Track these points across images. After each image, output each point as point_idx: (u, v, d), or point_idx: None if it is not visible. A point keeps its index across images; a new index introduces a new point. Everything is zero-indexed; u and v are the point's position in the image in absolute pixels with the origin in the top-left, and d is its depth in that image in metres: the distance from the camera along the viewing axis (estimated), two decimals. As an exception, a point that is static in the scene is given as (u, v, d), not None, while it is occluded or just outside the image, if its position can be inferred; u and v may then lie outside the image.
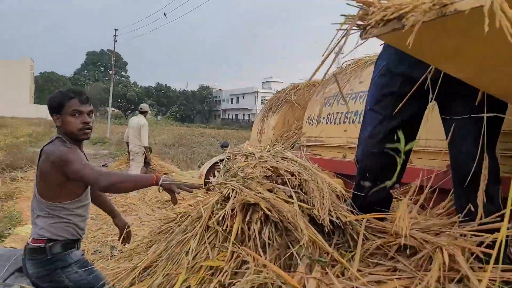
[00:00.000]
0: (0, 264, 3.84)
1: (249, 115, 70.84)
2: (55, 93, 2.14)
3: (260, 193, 1.41)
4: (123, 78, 79.51)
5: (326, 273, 1.15)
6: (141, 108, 8.72)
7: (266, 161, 1.76)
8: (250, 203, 1.41)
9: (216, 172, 3.81)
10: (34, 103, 53.93)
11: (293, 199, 1.44)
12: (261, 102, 69.70)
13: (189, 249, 1.35)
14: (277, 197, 1.44)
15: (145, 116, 8.46)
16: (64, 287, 1.99)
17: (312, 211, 1.40)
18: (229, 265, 1.23)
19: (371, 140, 1.67)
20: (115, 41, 32.23)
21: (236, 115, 75.83)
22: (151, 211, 7.00)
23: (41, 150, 2.08)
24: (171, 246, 1.49)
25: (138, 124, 8.20)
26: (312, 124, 2.67)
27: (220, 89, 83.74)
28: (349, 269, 1.18)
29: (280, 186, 1.56)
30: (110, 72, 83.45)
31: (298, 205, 1.38)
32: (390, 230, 1.35)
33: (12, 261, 3.95)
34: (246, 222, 1.39)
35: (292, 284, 0.96)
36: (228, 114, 78.68)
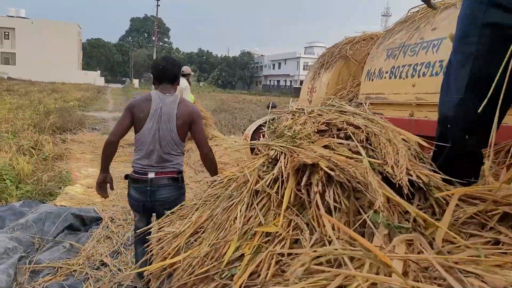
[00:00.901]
0: (50, 222, 3.95)
1: (290, 81, 69.69)
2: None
3: (315, 151, 1.19)
4: (166, 45, 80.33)
5: (411, 244, 0.93)
6: (183, 71, 8.61)
7: (320, 115, 1.52)
8: (306, 164, 1.19)
9: (262, 135, 3.64)
10: (82, 69, 55.80)
11: (359, 155, 1.20)
12: (304, 68, 68.13)
13: (236, 215, 1.17)
14: (338, 154, 1.21)
15: (187, 80, 8.34)
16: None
17: (385, 169, 1.14)
18: (288, 232, 1.04)
19: (459, 85, 1.36)
20: (158, 5, 32.16)
21: (278, 81, 74.85)
22: (194, 174, 7.01)
23: (176, 101, 2.62)
24: (217, 214, 1.32)
25: (180, 87, 8.10)
26: (372, 80, 2.38)
27: (262, 55, 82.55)
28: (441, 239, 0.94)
29: (341, 141, 1.32)
30: (153, 38, 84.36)
31: (368, 161, 1.13)
32: (491, 195, 1.07)
33: (62, 218, 4.05)
34: (302, 185, 1.18)
35: (383, 261, 0.76)
36: (270, 80, 77.80)
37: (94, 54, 65.59)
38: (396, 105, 2.15)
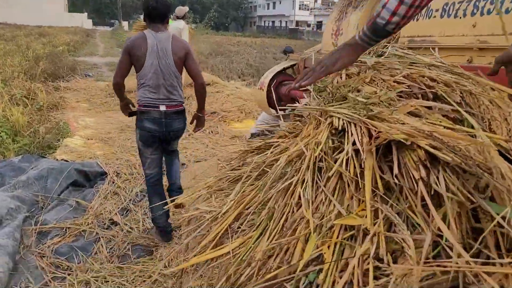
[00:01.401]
0: (53, 178, 3.73)
1: (286, 22, 67.22)
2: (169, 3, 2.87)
3: (403, 123, 0.91)
4: (155, -17, 76.06)
5: None
6: (178, 14, 8.01)
7: (396, 68, 1.22)
8: (393, 140, 0.89)
9: (279, 83, 3.31)
10: (69, 12, 53.22)
11: (460, 124, 0.93)
12: (300, 8, 65.48)
13: (298, 199, 0.92)
14: (433, 123, 0.93)
15: (185, 21, 7.81)
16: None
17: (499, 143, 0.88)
18: (379, 226, 0.80)
19: None
20: None
21: (273, 22, 72.21)
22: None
23: (169, 38, 2.81)
24: (270, 196, 1.04)
25: (177, 28, 7.59)
26: (416, 20, 2.05)
27: (255, -6, 78.89)
28: None
29: (433, 104, 1.03)
30: (141, -24, 79.96)
31: (487, 136, 0.87)
32: None
33: (65, 174, 3.82)
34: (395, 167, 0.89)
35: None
36: (264, 21, 75.06)
37: (79, -5, 62.22)
38: (450, 50, 1.85)
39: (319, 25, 63.23)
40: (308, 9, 65.86)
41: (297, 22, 64.88)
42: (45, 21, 41.77)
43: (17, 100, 6.34)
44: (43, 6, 45.99)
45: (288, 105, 1.39)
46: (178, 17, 7.83)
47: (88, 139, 5.29)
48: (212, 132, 6.15)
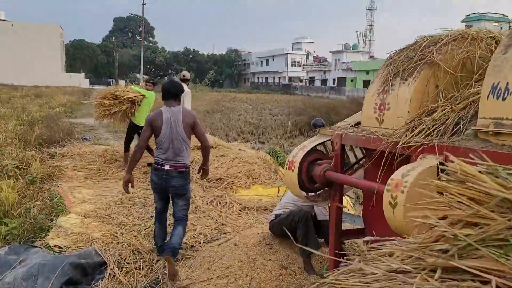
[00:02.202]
0: (44, 277, 3.16)
1: (279, 77, 68.94)
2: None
3: None
4: (150, 44, 78.87)
5: None
6: (183, 76, 7.88)
7: None
8: None
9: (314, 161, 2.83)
10: (66, 72, 54.23)
11: None
12: (292, 64, 67.49)
13: None
14: None
15: (187, 85, 7.63)
16: (187, 191, 3.64)
17: None
18: None
19: None
20: (143, 4, 31.07)
21: (266, 78, 74.08)
22: (202, 191, 6.26)
23: (180, 110, 3.58)
24: None
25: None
26: (504, 98, 1.69)
27: (249, 52, 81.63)
28: None
29: None
30: (138, 38, 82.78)
31: None
32: None
33: (58, 272, 3.26)
34: None
35: None
36: (258, 78, 77.00)
37: (77, 56, 63.89)
38: None
39: (312, 80, 64.90)
40: (300, 65, 67.84)
41: (290, 78, 66.57)
42: (42, 81, 42.31)
43: (8, 171, 5.86)
44: (40, 67, 46.88)
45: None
46: (183, 80, 7.68)
47: (85, 217, 4.76)
48: (220, 203, 5.65)
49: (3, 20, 48.80)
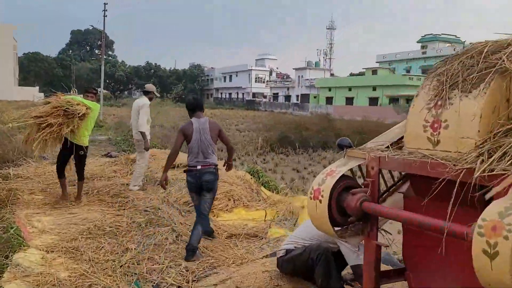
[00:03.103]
0: None
1: (243, 93, 68.88)
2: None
3: None
4: (110, 58, 76.58)
5: None
6: (144, 88, 7.23)
7: None
8: None
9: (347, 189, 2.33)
10: (19, 85, 51.42)
11: None
12: (255, 80, 67.73)
13: None
14: None
15: (150, 99, 7.00)
16: (215, 186, 4.43)
17: None
18: None
19: None
20: (105, 16, 30.00)
21: (230, 94, 73.83)
22: (181, 217, 5.64)
23: (207, 121, 4.38)
24: None
25: (137, 105, 6.81)
26: None
27: (212, 67, 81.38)
28: None
29: None
30: (97, 51, 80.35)
31: None
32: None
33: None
34: None
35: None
36: (221, 93, 76.63)
37: (32, 69, 60.93)
38: None
39: (276, 96, 65.27)
40: (263, 82, 68.22)
41: (254, 94, 66.67)
42: (-8, 95, 39.64)
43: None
44: (-9, 80, 44.07)
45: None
46: (145, 93, 7.05)
47: (48, 251, 4.03)
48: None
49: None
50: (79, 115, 5.53)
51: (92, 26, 50.17)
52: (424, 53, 53.79)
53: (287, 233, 4.65)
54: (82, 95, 6.23)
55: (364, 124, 16.93)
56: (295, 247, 2.96)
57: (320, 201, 2.24)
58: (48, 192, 6.42)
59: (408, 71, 51.51)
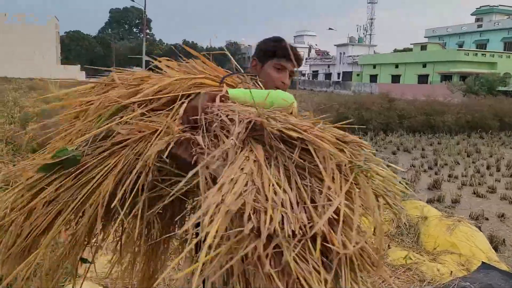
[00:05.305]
0: None
1: (280, 71, 67.04)
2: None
3: None
4: (148, 36, 76.56)
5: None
6: None
7: None
8: None
9: None
10: (61, 64, 52.22)
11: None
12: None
13: None
14: None
15: None
16: None
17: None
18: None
19: None
20: (144, -8, 29.07)
21: (267, 72, 72.25)
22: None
23: None
24: None
25: None
26: None
27: (249, 45, 79.78)
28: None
29: None
30: (135, 30, 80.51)
31: None
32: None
33: None
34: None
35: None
36: (258, 72, 75.19)
37: (73, 48, 61.80)
38: None
39: (315, 74, 63.15)
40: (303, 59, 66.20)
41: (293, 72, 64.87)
42: (37, 74, 40.38)
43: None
44: (35, 59, 44.92)
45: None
46: None
47: (104, 286, 3.04)
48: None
49: (-4, 11, 46.58)
50: None
51: (126, 6, 49.64)
52: (479, 26, 49.75)
53: (415, 257, 3.43)
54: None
55: (429, 104, 15.10)
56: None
57: None
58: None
59: (460, 46, 47.91)
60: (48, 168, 1.28)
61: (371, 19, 76.82)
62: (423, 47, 46.21)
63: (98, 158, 1.23)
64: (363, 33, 74.35)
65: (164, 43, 74.46)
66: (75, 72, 47.70)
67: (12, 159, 5.87)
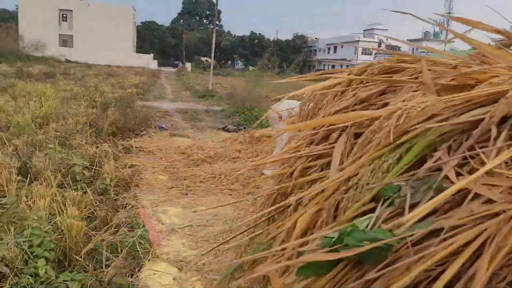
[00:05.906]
0: None
1: (347, 66, 64.98)
2: None
3: None
4: (217, 27, 78.12)
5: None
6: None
7: None
8: None
9: None
10: (136, 52, 55.00)
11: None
12: (362, 52, 63.52)
13: None
14: None
15: None
16: None
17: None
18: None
19: None
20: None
21: (333, 66, 70.66)
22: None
23: None
24: None
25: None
26: None
27: (316, 38, 78.42)
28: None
29: None
30: (205, 21, 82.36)
31: None
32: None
33: None
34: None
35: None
36: (324, 65, 73.75)
37: (147, 37, 64.78)
38: None
39: (384, 70, 60.56)
40: (371, 54, 63.72)
41: (360, 67, 62.77)
42: (114, 61, 43.09)
43: (75, 174, 4.44)
44: (114, 46, 47.76)
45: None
46: None
47: (180, 268, 3.14)
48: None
49: (80, 0, 50.08)
50: None
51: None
52: None
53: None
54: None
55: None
56: None
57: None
58: (171, 172, 5.71)
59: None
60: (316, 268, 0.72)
61: (449, 13, 71.94)
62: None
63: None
64: (439, 28, 69.96)
65: (232, 34, 75.55)
66: (148, 60, 50.07)
67: (95, 141, 6.26)
